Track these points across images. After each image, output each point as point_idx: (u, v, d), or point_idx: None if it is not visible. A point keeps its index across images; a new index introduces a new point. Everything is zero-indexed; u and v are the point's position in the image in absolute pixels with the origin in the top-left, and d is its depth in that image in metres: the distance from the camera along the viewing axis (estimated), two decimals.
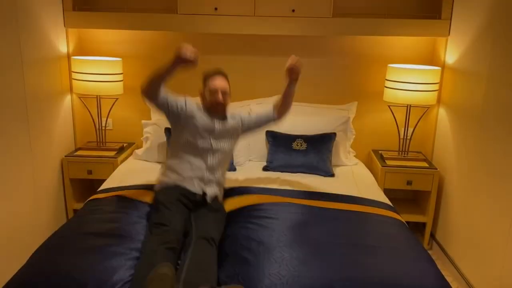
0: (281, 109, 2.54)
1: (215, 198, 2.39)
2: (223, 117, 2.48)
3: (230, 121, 2.49)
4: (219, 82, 2.43)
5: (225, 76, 2.49)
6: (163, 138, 3.11)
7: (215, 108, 2.43)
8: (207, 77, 2.49)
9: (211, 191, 2.39)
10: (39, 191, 2.94)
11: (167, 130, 3.05)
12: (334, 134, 3.02)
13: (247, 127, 2.57)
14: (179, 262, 1.94)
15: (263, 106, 2.71)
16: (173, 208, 2.17)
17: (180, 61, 2.17)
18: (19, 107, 2.69)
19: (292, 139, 3.00)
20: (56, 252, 1.91)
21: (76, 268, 1.79)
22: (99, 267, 1.79)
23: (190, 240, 2.02)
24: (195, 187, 2.35)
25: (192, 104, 2.44)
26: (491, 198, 2.41)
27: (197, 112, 2.43)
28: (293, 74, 2.40)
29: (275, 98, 2.60)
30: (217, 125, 2.43)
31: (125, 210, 2.30)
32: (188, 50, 2.14)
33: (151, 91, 2.28)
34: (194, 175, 2.38)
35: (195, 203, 2.32)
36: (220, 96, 2.40)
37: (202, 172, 2.39)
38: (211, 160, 2.42)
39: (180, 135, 2.43)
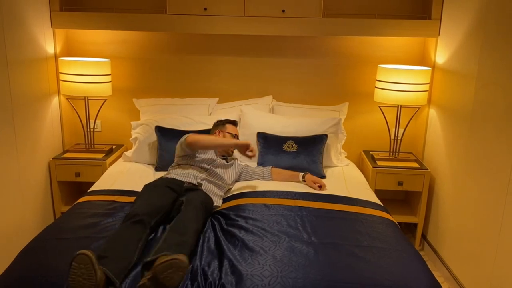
0: (280, 179, 2.84)
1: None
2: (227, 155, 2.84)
3: (230, 160, 2.82)
4: (236, 130, 2.90)
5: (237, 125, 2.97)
6: (154, 138, 3.07)
7: (232, 151, 2.84)
8: (226, 123, 2.90)
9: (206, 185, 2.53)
10: (26, 194, 2.89)
11: (158, 129, 3.02)
12: (326, 135, 3.00)
13: (240, 174, 2.87)
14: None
15: (257, 169, 2.91)
16: (155, 190, 2.29)
17: (237, 148, 2.55)
18: (4, 109, 2.64)
19: (283, 141, 2.98)
20: (37, 255, 1.88)
21: (55, 271, 1.76)
22: None
23: (181, 207, 2.15)
24: (190, 179, 2.49)
25: None
26: (482, 198, 2.41)
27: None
28: (311, 186, 2.74)
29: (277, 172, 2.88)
30: (219, 160, 2.71)
31: (111, 212, 2.28)
32: (250, 150, 2.50)
33: (198, 148, 2.60)
34: (191, 174, 2.53)
35: (185, 189, 2.41)
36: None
37: (200, 174, 2.55)
38: (209, 175, 2.60)
39: (183, 160, 2.66)
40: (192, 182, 2.47)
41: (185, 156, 2.65)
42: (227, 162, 2.77)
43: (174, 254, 1.71)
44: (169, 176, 2.53)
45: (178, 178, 2.46)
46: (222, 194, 2.61)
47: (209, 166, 2.62)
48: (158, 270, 1.67)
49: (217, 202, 2.50)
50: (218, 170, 2.66)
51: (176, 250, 1.78)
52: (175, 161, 2.73)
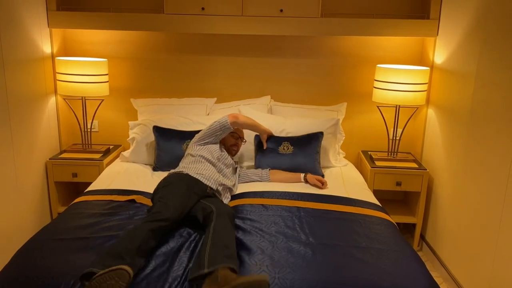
0: (279, 180, 2.83)
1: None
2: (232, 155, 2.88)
3: (232, 165, 2.81)
4: (240, 130, 2.93)
5: None
6: (151, 138, 3.05)
7: (233, 147, 2.87)
8: None
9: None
10: (23, 195, 2.87)
11: (156, 129, 3.00)
12: (321, 133, 2.97)
13: (238, 176, 2.85)
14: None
15: (254, 172, 2.89)
16: (182, 194, 2.23)
17: (266, 133, 2.91)
18: (1, 109, 2.62)
19: (278, 143, 2.95)
20: (33, 256, 1.86)
21: (51, 272, 1.75)
22: (75, 270, 1.74)
23: (211, 216, 2.07)
24: (211, 183, 2.46)
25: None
26: (481, 198, 2.40)
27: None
28: (314, 184, 2.76)
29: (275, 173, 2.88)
30: (229, 159, 2.75)
31: (108, 212, 2.26)
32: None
33: (238, 126, 2.76)
34: (208, 173, 2.53)
35: (205, 194, 2.38)
36: (239, 141, 2.91)
37: (218, 179, 2.54)
38: (224, 178, 2.60)
39: (203, 152, 2.65)
40: (213, 187, 2.44)
41: (206, 145, 2.66)
42: (234, 164, 2.79)
43: (257, 275, 1.67)
44: (190, 173, 2.45)
45: (201, 180, 2.42)
46: (230, 197, 2.62)
47: (222, 165, 2.63)
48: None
49: None
50: (229, 172, 2.66)
51: (226, 262, 1.75)
52: (191, 150, 2.68)
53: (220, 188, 2.50)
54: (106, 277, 1.61)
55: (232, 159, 2.82)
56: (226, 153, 2.74)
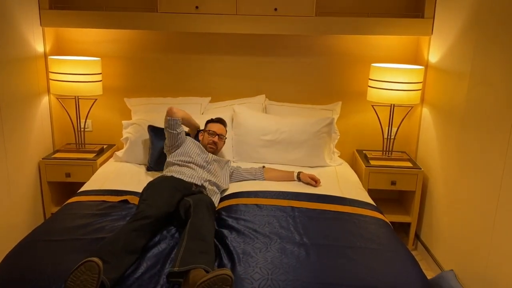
0: (273, 179, 2.82)
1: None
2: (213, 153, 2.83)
3: (218, 161, 2.77)
4: (218, 127, 2.86)
5: (224, 123, 2.93)
6: (145, 137, 3.03)
7: (210, 145, 2.79)
8: (207, 124, 2.93)
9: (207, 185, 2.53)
10: (15, 195, 2.85)
11: (151, 129, 2.98)
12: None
13: (232, 175, 2.82)
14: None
15: (248, 168, 2.89)
16: (164, 191, 2.24)
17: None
18: None
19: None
20: (25, 257, 1.85)
21: (43, 274, 1.73)
22: (66, 272, 1.71)
23: (189, 210, 2.10)
24: (195, 180, 2.48)
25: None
26: (475, 197, 2.40)
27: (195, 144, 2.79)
28: (308, 182, 2.76)
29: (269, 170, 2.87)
30: (210, 155, 2.73)
31: (102, 213, 2.25)
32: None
33: (173, 116, 2.71)
34: (193, 174, 2.54)
35: (191, 191, 2.38)
36: (216, 138, 2.81)
37: (203, 175, 2.56)
38: (209, 174, 2.61)
39: (180, 157, 2.67)
40: (197, 183, 2.45)
41: (177, 149, 2.66)
42: (219, 159, 2.77)
43: (218, 270, 1.67)
44: (174, 175, 2.49)
45: (185, 179, 2.44)
46: (219, 194, 2.60)
47: (204, 163, 2.62)
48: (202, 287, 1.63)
49: (217, 203, 2.49)
50: (213, 168, 2.64)
51: (202, 258, 1.77)
52: (169, 157, 2.70)
53: (206, 184, 2.50)
54: (77, 274, 1.62)
55: (217, 155, 2.83)
56: (205, 151, 2.74)
